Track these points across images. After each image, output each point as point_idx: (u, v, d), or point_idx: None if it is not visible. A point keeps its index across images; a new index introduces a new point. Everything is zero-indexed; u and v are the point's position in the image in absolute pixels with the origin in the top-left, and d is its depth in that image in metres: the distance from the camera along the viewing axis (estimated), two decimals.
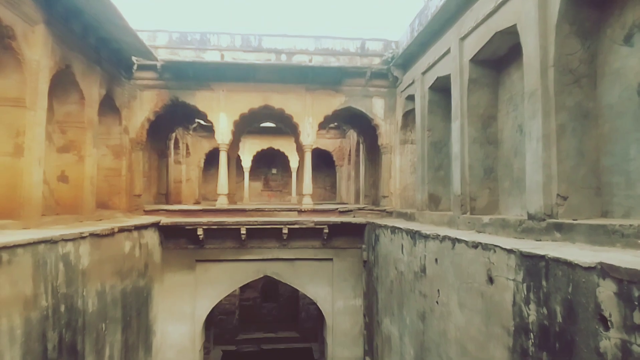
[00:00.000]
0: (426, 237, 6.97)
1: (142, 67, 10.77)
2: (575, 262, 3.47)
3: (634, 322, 2.90)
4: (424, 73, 9.30)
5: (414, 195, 10.50)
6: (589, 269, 3.33)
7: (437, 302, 6.55)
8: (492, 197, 7.20)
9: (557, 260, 3.72)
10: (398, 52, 10.71)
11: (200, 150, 19.52)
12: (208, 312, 11.35)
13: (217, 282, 11.30)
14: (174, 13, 48.01)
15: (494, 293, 4.85)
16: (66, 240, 6.05)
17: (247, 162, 21.62)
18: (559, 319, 3.70)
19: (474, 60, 7.17)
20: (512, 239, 5.34)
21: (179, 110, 11.98)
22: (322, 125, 12.39)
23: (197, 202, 17.25)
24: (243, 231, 10.80)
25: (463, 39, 7.39)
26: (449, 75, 7.92)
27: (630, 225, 3.88)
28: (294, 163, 20.69)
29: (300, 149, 12.86)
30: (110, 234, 7.61)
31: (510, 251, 4.50)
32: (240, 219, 10.93)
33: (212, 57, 11.31)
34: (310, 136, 11.56)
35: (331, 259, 11.61)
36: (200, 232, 10.64)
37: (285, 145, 20.96)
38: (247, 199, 21.67)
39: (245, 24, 49.06)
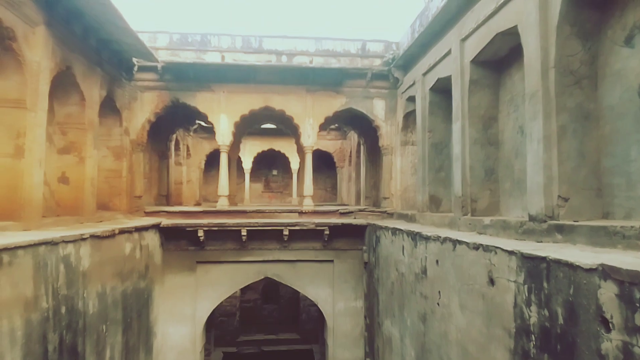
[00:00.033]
0: (427, 238, 6.96)
1: (142, 69, 10.78)
2: (577, 263, 3.46)
3: (636, 324, 2.89)
4: (424, 74, 9.30)
5: (414, 196, 10.49)
6: (590, 270, 3.32)
7: (438, 304, 6.53)
8: (493, 198, 7.19)
9: (558, 262, 3.71)
10: (399, 53, 10.71)
11: (200, 151, 19.53)
12: (209, 314, 11.34)
13: (218, 283, 11.29)
14: (174, 14, 48.08)
15: (495, 295, 4.84)
16: (67, 242, 6.05)
17: (247, 164, 21.63)
18: (560, 320, 3.69)
19: (475, 61, 7.17)
20: (513, 241, 5.33)
21: (180, 111, 11.99)
22: (323, 127, 12.39)
23: (198, 204, 17.25)
24: (244, 233, 10.80)
25: (464, 40, 7.39)
26: (450, 76, 7.92)
27: (632, 226, 3.87)
28: (294, 164, 20.70)
29: (300, 151, 12.86)
30: (111, 235, 7.61)
31: (511, 253, 4.49)
32: (240, 221, 10.92)
33: (212, 58, 11.31)
34: (310, 137, 11.56)
35: (332, 261, 11.60)
36: (200, 233, 10.64)
37: (285, 147, 20.98)
38: (247, 200, 21.68)
39: (245, 25, 49.18)
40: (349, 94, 11.61)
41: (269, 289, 19.64)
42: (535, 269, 4.04)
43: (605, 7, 4.90)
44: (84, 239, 6.57)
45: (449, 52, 7.97)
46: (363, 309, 11.55)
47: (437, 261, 6.56)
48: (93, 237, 6.88)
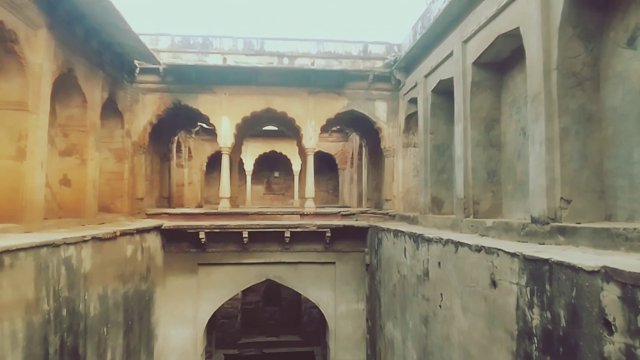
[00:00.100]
0: (429, 240, 6.94)
1: (144, 71, 10.79)
2: (579, 266, 3.45)
3: (639, 327, 2.87)
4: (426, 76, 9.29)
5: (416, 198, 10.47)
6: (592, 272, 3.31)
7: (440, 306, 6.52)
8: (495, 200, 7.17)
9: (560, 264, 3.70)
10: (400, 55, 10.70)
11: (202, 153, 19.54)
12: (210, 316, 11.32)
13: (219, 285, 11.28)
14: (176, 16, 48.16)
15: (497, 297, 4.83)
16: (68, 244, 6.05)
17: (249, 166, 21.65)
18: (563, 323, 3.67)
19: (477, 63, 7.16)
20: (516, 243, 5.31)
21: (182, 113, 12.00)
22: (325, 129, 12.38)
23: (200, 206, 17.26)
24: (245, 234, 10.79)
25: (466, 41, 7.38)
26: (452, 78, 7.91)
27: (634, 228, 3.86)
28: (296, 166, 20.73)
29: (302, 152, 12.85)
30: (113, 237, 7.61)
31: (513, 255, 4.47)
32: (242, 223, 10.92)
33: (214, 60, 11.32)
34: (312, 139, 11.56)
35: (333, 263, 11.58)
36: (202, 235, 10.64)
37: (287, 149, 20.99)
38: (249, 202, 21.70)
39: (247, 27, 49.21)
40: (351, 95, 11.60)
41: (271, 291, 19.62)
42: (538, 271, 4.02)
43: (607, 8, 4.89)
44: (85, 241, 6.56)
45: (450, 54, 7.96)
46: (365, 312, 11.53)
47: (439, 263, 6.54)
48: (94, 239, 6.88)
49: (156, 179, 13.45)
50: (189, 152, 17.71)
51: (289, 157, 21.47)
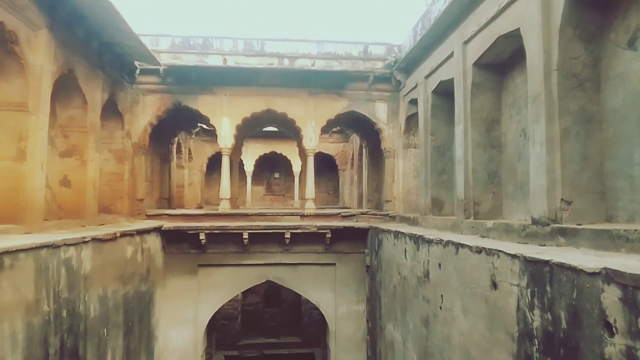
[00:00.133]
0: (429, 241, 6.93)
1: (144, 72, 10.79)
2: (580, 267, 3.44)
3: (639, 328, 2.87)
4: (427, 77, 9.29)
5: (417, 199, 10.47)
6: (593, 274, 3.30)
7: (440, 308, 6.51)
8: (496, 201, 7.16)
9: (561, 266, 3.69)
10: (401, 56, 10.70)
11: (202, 154, 19.55)
12: (210, 317, 11.31)
13: (220, 286, 11.27)
14: (176, 17, 48.17)
15: (497, 298, 4.82)
16: (68, 245, 6.04)
17: (249, 167, 21.65)
18: (564, 324, 3.66)
19: (477, 64, 7.15)
20: (516, 244, 5.30)
21: (182, 114, 12.00)
22: (325, 130, 12.38)
23: (200, 207, 17.26)
24: (245, 236, 10.78)
25: (466, 42, 7.38)
26: (452, 79, 7.90)
27: (635, 230, 3.85)
28: (296, 167, 20.72)
29: (302, 153, 12.85)
30: (113, 238, 7.61)
31: (514, 256, 4.46)
32: (242, 224, 10.92)
33: (214, 61, 11.32)
34: (312, 140, 11.55)
35: (334, 264, 11.57)
36: (202, 236, 10.63)
37: (287, 150, 21.00)
38: (249, 203, 21.69)
39: (247, 27, 49.20)
40: (351, 96, 11.60)
41: (271, 292, 19.61)
42: (538, 273, 4.02)
43: (608, 9, 4.89)
44: (85, 242, 6.56)
45: (451, 55, 7.96)
46: (365, 313, 11.52)
47: (439, 265, 6.54)
48: (94, 240, 6.88)
49: (156, 180, 13.45)
50: (189, 153, 17.71)
51: (289, 158, 21.47)
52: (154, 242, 9.99)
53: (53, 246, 5.64)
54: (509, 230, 5.80)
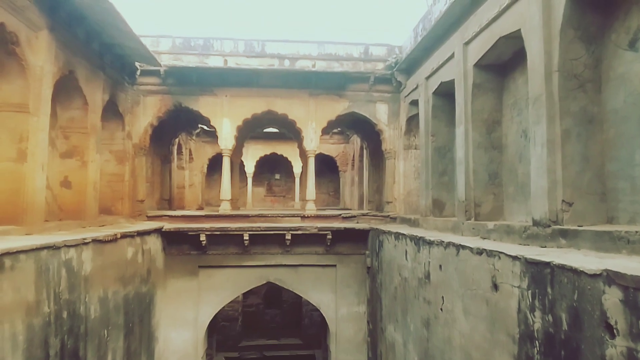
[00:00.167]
0: (430, 243, 6.93)
1: (145, 73, 10.79)
2: (581, 269, 3.43)
3: None
4: (427, 78, 9.28)
5: (417, 200, 10.46)
6: (594, 276, 3.29)
7: (441, 309, 6.50)
8: (497, 202, 7.15)
9: (562, 267, 3.69)
10: (402, 57, 10.70)
11: (203, 155, 19.54)
12: (211, 319, 11.30)
13: (220, 288, 11.26)
14: (177, 18, 48.22)
15: (498, 300, 4.81)
16: (69, 246, 6.04)
17: (250, 168, 21.65)
18: (565, 326, 3.65)
19: (478, 65, 7.15)
20: (517, 246, 5.30)
21: (182, 115, 12.00)
22: (326, 131, 12.38)
23: (200, 208, 17.24)
24: (246, 237, 10.77)
25: (467, 43, 7.38)
26: (453, 80, 7.90)
27: (636, 231, 3.84)
28: (297, 168, 20.71)
29: (303, 154, 12.85)
30: (113, 239, 7.60)
31: (515, 258, 4.46)
32: (243, 225, 10.91)
33: (215, 62, 11.32)
34: (313, 141, 11.55)
35: (334, 265, 11.56)
36: (203, 238, 10.63)
37: (288, 151, 20.99)
38: (250, 204, 21.68)
39: (247, 27, 49.22)
40: (352, 97, 11.60)
41: (272, 293, 19.59)
42: (539, 274, 4.01)
43: (608, 10, 4.89)
44: (86, 244, 6.56)
45: (452, 56, 7.96)
46: (366, 314, 11.50)
47: (440, 266, 6.53)
48: (95, 241, 6.87)
49: (157, 181, 13.44)
50: (190, 154, 17.71)
51: (289, 159, 21.46)
52: (154, 244, 9.99)
53: (53, 247, 5.63)
54: (510, 232, 5.79)
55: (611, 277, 3.12)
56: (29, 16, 6.30)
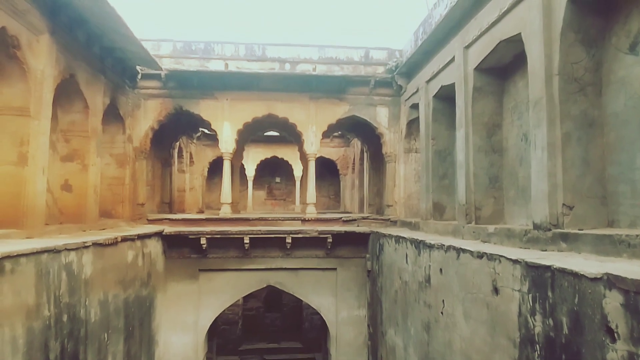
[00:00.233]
0: (431, 246, 6.92)
1: (146, 76, 10.81)
2: (581, 272, 3.43)
3: None
4: (428, 81, 9.29)
5: (418, 204, 10.46)
6: (595, 279, 3.29)
7: (441, 313, 6.49)
8: (497, 206, 7.15)
9: (563, 271, 3.68)
10: (402, 60, 10.71)
11: (204, 159, 19.53)
12: (211, 322, 11.29)
13: (221, 291, 11.25)
14: (177, 21, 48.33)
15: (499, 304, 4.80)
16: (69, 250, 6.03)
17: (250, 171, 21.64)
18: (565, 330, 3.65)
19: (479, 68, 7.16)
20: (518, 249, 5.29)
21: (183, 119, 12.01)
22: (326, 134, 12.39)
23: (201, 211, 17.24)
24: (246, 240, 10.77)
25: (467, 47, 7.39)
26: (454, 83, 7.91)
27: (637, 235, 3.84)
28: (297, 172, 20.68)
29: (304, 158, 12.86)
30: (114, 243, 7.60)
31: (515, 261, 4.45)
32: (243, 228, 10.90)
33: (216, 66, 11.34)
34: (314, 145, 11.56)
35: (335, 269, 11.55)
36: (203, 241, 10.62)
37: (289, 154, 20.97)
38: (250, 207, 21.66)
39: (248, 28, 49.27)
40: (352, 101, 11.61)
41: (272, 297, 19.56)
42: (540, 278, 4.00)
43: (609, 14, 4.89)
44: (86, 247, 6.55)
45: (452, 60, 7.97)
46: (366, 318, 11.48)
47: (440, 270, 6.52)
48: (95, 244, 6.87)
49: (157, 184, 13.44)
50: (191, 157, 17.71)
51: (290, 162, 21.44)
52: (155, 247, 9.98)
53: (54, 251, 5.63)
54: (511, 235, 5.79)
55: (612, 281, 3.12)
56: (30, 20, 6.32)
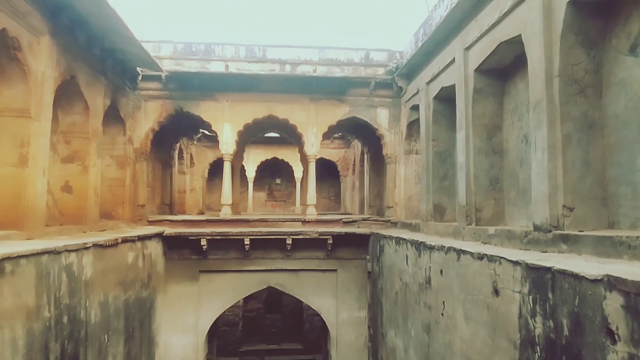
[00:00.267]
0: (431, 248, 6.92)
1: (146, 78, 10.82)
2: (582, 274, 3.42)
3: None
4: (428, 83, 9.30)
5: (418, 205, 10.46)
6: (595, 281, 3.28)
7: (442, 314, 6.48)
8: (498, 207, 7.15)
9: (563, 273, 3.68)
10: (402, 62, 10.72)
11: (204, 160, 19.53)
12: (211, 324, 11.29)
13: (221, 293, 11.25)
14: (177, 20, 48.32)
15: (499, 305, 4.80)
16: (69, 251, 6.04)
17: (251, 172, 21.64)
18: (566, 332, 3.64)
19: (479, 70, 7.16)
20: (518, 251, 5.29)
21: (184, 120, 12.01)
22: (327, 135, 12.39)
23: (201, 212, 17.24)
24: (247, 242, 10.77)
25: (468, 48, 7.39)
26: (454, 85, 7.91)
27: (637, 236, 3.83)
28: (298, 173, 20.68)
29: (304, 159, 12.86)
30: (114, 244, 7.60)
31: (516, 263, 4.45)
32: (243, 230, 10.90)
33: (216, 67, 11.35)
34: (314, 146, 11.56)
35: (335, 270, 11.55)
36: (203, 242, 10.62)
37: (289, 155, 20.97)
38: (251, 209, 21.66)
39: (248, 29, 49.23)
40: (353, 102, 11.62)
41: (272, 298, 19.55)
42: (540, 280, 4.00)
43: (609, 15, 4.89)
44: (86, 248, 6.55)
45: (452, 61, 7.97)
46: (367, 319, 11.48)
47: (441, 271, 6.52)
48: (96, 246, 6.87)
49: (158, 186, 13.45)
50: (191, 158, 17.71)
51: (290, 163, 21.44)
52: (155, 248, 9.98)
53: (54, 252, 5.63)
54: (511, 237, 5.79)
55: (612, 283, 3.12)
56: (31, 21, 6.33)
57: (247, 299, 17.76)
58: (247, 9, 50.60)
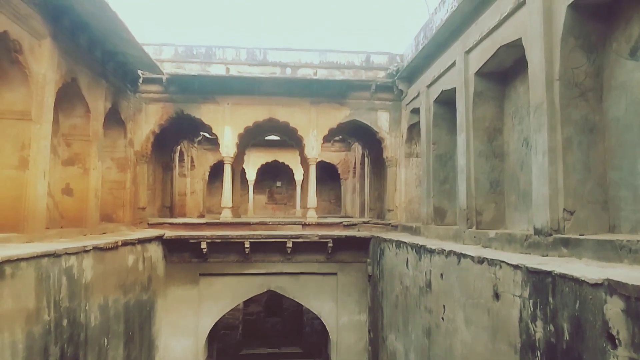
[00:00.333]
0: (431, 251, 6.91)
1: (147, 81, 10.83)
2: (582, 278, 3.41)
3: None
4: (429, 86, 9.30)
5: (419, 208, 10.45)
6: (596, 285, 3.27)
7: (442, 318, 6.47)
8: (498, 211, 7.14)
9: (563, 277, 3.67)
10: (403, 65, 10.73)
11: (205, 163, 19.55)
12: (211, 327, 11.26)
13: (221, 296, 11.23)
14: (177, 21, 48.33)
15: (500, 309, 4.79)
16: (70, 254, 6.03)
17: (251, 175, 21.66)
18: (566, 336, 3.63)
19: (479, 73, 7.16)
20: (519, 254, 5.28)
21: (184, 123, 12.03)
22: (327, 138, 12.40)
23: (202, 215, 17.24)
24: (247, 245, 10.75)
25: (468, 52, 7.39)
26: (454, 88, 7.91)
27: (638, 240, 3.83)
28: (298, 176, 20.71)
29: (305, 162, 12.87)
30: (114, 247, 7.59)
31: (516, 267, 4.44)
32: (244, 233, 10.90)
33: (217, 70, 11.36)
34: (315, 149, 11.56)
35: (335, 273, 11.53)
36: (204, 245, 10.61)
37: (290, 158, 20.98)
38: (251, 211, 21.66)
39: (248, 29, 49.16)
40: (353, 105, 11.62)
41: (272, 301, 19.51)
42: (541, 284, 3.99)
43: (610, 19, 4.90)
44: (86, 251, 6.55)
45: (453, 64, 7.97)
46: (367, 323, 11.45)
47: (441, 275, 6.50)
48: (96, 249, 6.86)
49: (158, 189, 13.45)
50: (192, 161, 17.73)
51: (291, 166, 21.46)
52: (155, 251, 9.97)
53: (54, 255, 5.62)
54: (511, 240, 5.78)
55: (613, 287, 3.11)
56: (32, 24, 6.34)
57: (247, 302, 17.68)
58: (247, 9, 50.64)
